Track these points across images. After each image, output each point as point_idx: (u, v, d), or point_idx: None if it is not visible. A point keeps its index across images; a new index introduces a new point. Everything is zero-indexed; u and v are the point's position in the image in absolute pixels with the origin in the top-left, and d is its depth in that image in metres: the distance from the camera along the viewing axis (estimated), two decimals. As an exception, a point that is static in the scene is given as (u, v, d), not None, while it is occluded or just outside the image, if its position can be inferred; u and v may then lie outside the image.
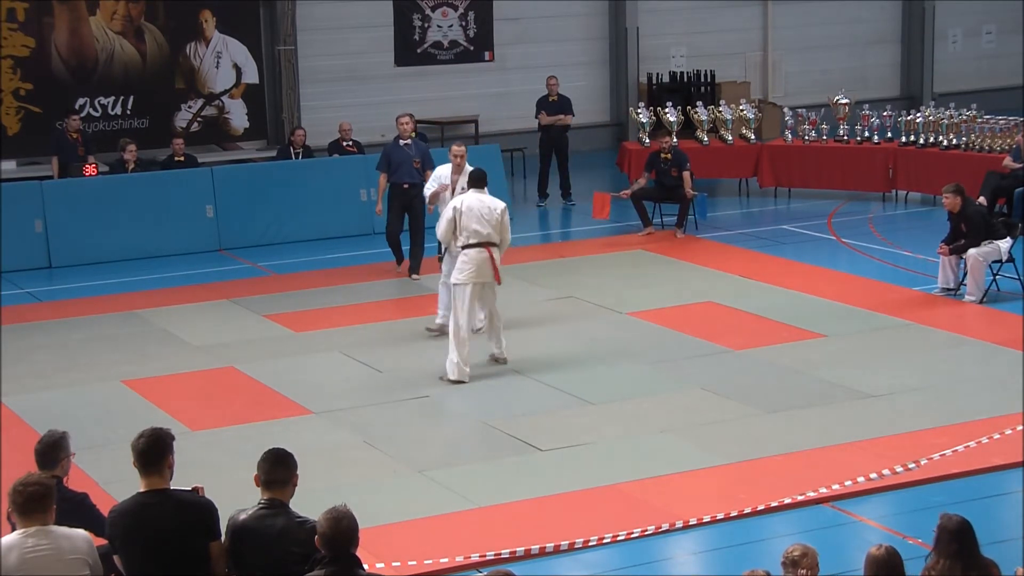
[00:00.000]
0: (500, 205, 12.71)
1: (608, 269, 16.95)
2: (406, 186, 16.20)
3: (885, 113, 20.93)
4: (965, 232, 14.89)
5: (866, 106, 21.50)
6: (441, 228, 12.83)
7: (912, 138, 20.41)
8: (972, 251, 14.78)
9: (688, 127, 21.40)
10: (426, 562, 8.94)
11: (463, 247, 12.53)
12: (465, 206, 12.58)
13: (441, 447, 11.27)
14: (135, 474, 6.69)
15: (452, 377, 12.52)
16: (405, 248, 16.55)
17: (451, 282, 12.78)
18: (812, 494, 9.86)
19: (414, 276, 16.25)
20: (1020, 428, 10.99)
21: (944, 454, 10.53)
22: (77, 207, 18.16)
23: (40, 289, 16.84)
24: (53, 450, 7.50)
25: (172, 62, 22.10)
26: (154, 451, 6.64)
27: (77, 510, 7.22)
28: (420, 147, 16.50)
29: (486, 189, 12.85)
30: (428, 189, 14.51)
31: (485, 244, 12.53)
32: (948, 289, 15.14)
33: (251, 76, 22.71)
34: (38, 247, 17.89)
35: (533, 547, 9.10)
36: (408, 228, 16.40)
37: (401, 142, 16.32)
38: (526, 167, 22.78)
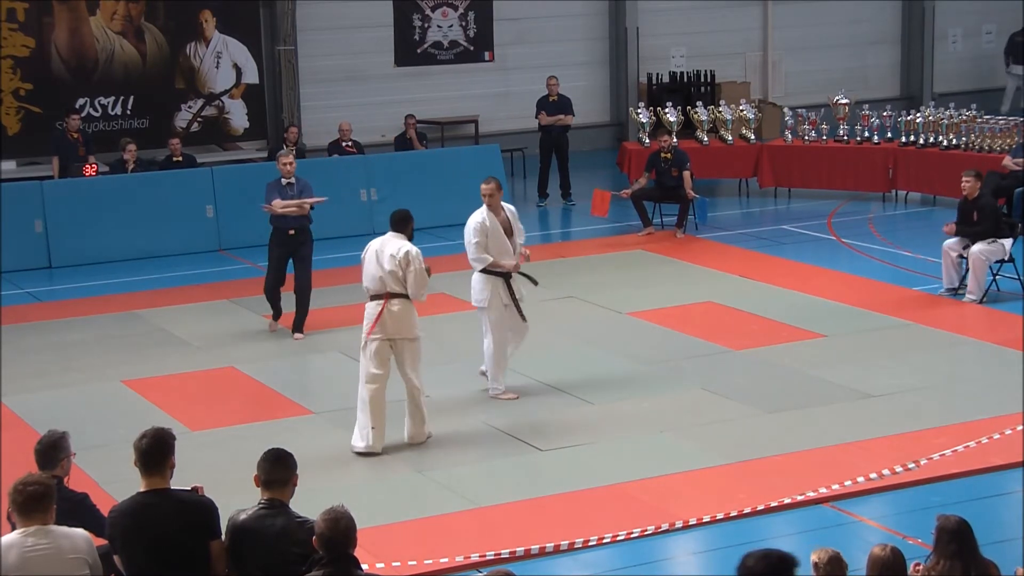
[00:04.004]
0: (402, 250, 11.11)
1: (608, 269, 16.95)
2: (292, 232, 14.18)
3: (885, 113, 20.93)
4: (976, 221, 14.86)
5: (866, 106, 21.51)
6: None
7: (912, 138, 20.41)
8: (975, 249, 14.76)
9: (688, 127, 21.40)
10: (426, 562, 8.94)
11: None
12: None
13: (441, 447, 11.26)
14: (135, 474, 6.69)
15: (357, 447, 11.07)
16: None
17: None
18: (812, 494, 9.86)
19: (297, 335, 14.22)
20: (1020, 428, 10.99)
21: (944, 454, 10.53)
22: (77, 207, 18.17)
23: (40, 289, 16.84)
24: (53, 450, 7.50)
25: (172, 62, 22.11)
26: (157, 451, 6.64)
27: (77, 510, 7.23)
28: (303, 185, 14.35)
29: (400, 232, 11.26)
30: (480, 262, 12.19)
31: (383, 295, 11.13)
32: (952, 288, 15.12)
33: (251, 76, 22.72)
34: (38, 247, 17.89)
35: (533, 547, 9.09)
36: (295, 281, 14.37)
37: (284, 181, 14.23)
38: (526, 167, 22.77)
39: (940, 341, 13.66)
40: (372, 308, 11.10)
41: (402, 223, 11.31)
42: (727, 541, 9.29)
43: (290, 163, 14.30)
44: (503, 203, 12.30)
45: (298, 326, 14.32)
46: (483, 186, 12.18)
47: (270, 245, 14.44)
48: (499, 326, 12.22)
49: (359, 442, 11.01)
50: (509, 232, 12.23)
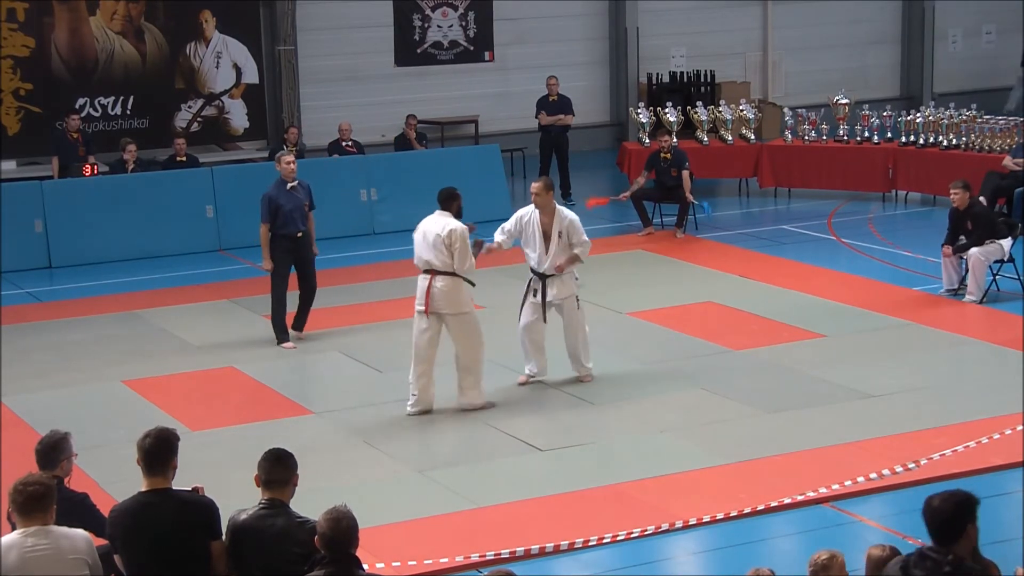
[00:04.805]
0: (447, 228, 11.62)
1: (608, 269, 16.94)
2: (299, 235, 13.80)
3: (885, 113, 20.93)
4: (970, 230, 14.87)
5: (866, 106, 21.51)
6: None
7: (912, 138, 20.42)
8: (974, 250, 14.77)
9: (688, 127, 21.40)
10: (426, 562, 8.94)
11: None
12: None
13: (441, 447, 11.27)
14: (135, 474, 6.69)
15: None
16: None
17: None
18: (812, 494, 9.86)
19: (298, 334, 14.07)
20: (1020, 428, 10.99)
21: (944, 454, 10.53)
22: (77, 207, 18.17)
23: (40, 289, 16.85)
24: (54, 451, 7.50)
25: (172, 62, 22.11)
26: (161, 452, 6.64)
27: (77, 510, 7.23)
28: (306, 187, 13.99)
29: (445, 210, 11.70)
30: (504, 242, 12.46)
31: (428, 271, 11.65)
32: (952, 289, 15.13)
33: (251, 76, 22.72)
34: (38, 247, 17.90)
35: (533, 547, 9.09)
36: (300, 282, 14.03)
37: (288, 185, 13.77)
38: (526, 167, 22.77)
39: (940, 341, 13.66)
40: (421, 282, 11.65)
41: (448, 200, 11.69)
42: (727, 541, 9.29)
43: (293, 163, 13.91)
44: (563, 210, 12.46)
45: (299, 325, 14.18)
46: (534, 184, 12.43)
47: (274, 252, 13.81)
48: (524, 321, 12.45)
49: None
50: (548, 236, 12.33)
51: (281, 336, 13.96)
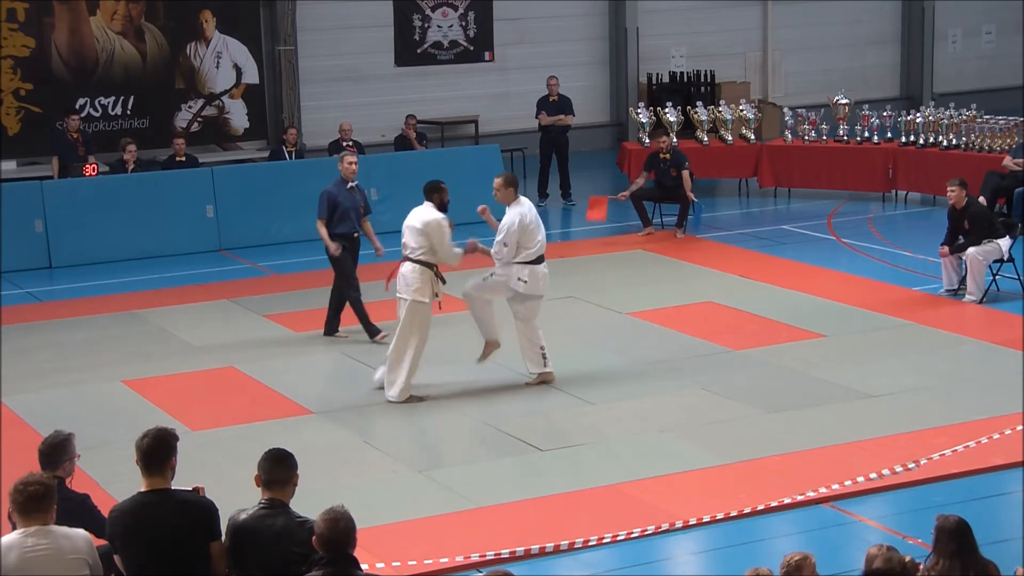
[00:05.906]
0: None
1: (608, 269, 16.95)
2: (356, 235, 14.01)
3: (885, 113, 20.93)
4: (968, 229, 14.86)
5: (866, 106, 21.51)
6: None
7: (912, 138, 20.42)
8: (972, 250, 14.76)
9: (688, 127, 21.41)
10: (426, 562, 8.94)
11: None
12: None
13: (441, 447, 11.26)
14: (135, 474, 6.69)
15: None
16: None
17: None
18: (812, 494, 9.86)
19: (343, 334, 14.16)
20: (1020, 428, 10.99)
21: (944, 454, 10.53)
22: (77, 207, 18.17)
23: (40, 289, 16.85)
24: (56, 452, 7.51)
25: (172, 62, 22.12)
26: (159, 452, 6.64)
27: (78, 511, 7.24)
28: (363, 191, 14.27)
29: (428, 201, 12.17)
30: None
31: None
32: (952, 289, 15.13)
33: (251, 76, 22.73)
34: (38, 247, 17.90)
35: (533, 547, 9.09)
36: (339, 282, 14.07)
37: (347, 185, 13.91)
38: (526, 167, 22.77)
39: (940, 341, 13.66)
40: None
41: (429, 192, 12.16)
42: (727, 541, 9.29)
43: (355, 163, 13.99)
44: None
45: (332, 329, 14.16)
46: (497, 179, 12.50)
47: (341, 253, 13.79)
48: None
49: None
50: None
51: (372, 330, 13.93)
